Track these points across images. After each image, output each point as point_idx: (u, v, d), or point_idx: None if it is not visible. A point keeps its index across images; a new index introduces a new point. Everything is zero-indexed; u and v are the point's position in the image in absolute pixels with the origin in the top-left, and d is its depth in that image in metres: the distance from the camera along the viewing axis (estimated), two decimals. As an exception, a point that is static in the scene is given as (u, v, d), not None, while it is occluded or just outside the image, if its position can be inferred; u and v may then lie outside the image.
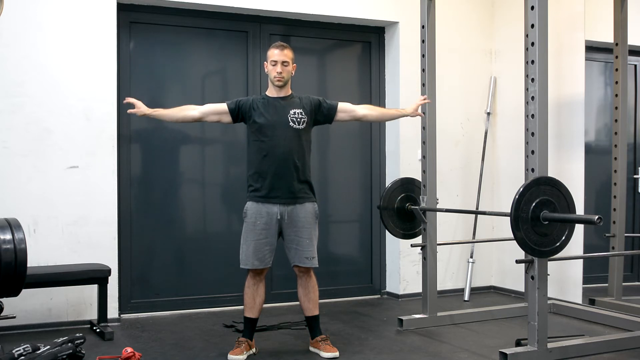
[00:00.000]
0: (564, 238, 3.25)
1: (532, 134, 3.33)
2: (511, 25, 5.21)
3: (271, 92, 3.57)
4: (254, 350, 3.56)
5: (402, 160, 5.13)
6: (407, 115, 3.82)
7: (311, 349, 3.60)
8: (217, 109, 3.58)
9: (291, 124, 3.47)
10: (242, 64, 4.91)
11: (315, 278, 3.63)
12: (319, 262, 3.66)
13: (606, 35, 4.54)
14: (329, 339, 3.59)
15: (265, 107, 3.50)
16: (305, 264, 3.52)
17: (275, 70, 3.49)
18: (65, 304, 4.20)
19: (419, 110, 3.86)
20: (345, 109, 3.67)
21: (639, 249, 4.80)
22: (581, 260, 4.57)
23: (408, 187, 4.35)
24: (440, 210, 4.21)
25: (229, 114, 3.56)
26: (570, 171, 4.58)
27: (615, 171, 4.49)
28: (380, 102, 5.31)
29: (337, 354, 3.48)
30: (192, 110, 3.59)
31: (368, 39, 5.33)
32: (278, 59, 3.49)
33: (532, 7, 3.31)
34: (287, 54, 3.50)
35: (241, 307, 4.64)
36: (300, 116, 3.50)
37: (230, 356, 3.45)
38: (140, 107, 3.58)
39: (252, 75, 4.90)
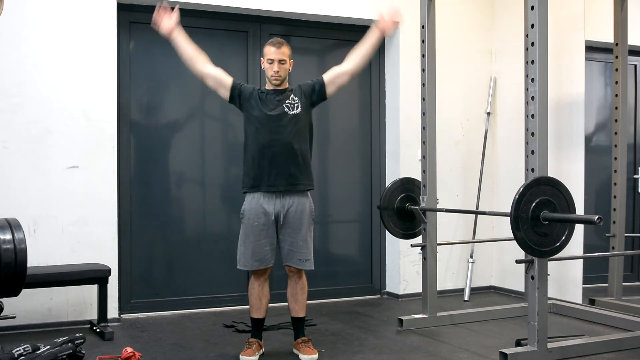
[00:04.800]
0: (564, 238, 3.25)
1: (532, 134, 3.33)
2: (511, 25, 5.21)
3: (269, 87, 3.55)
4: (263, 350, 3.56)
5: (402, 160, 5.13)
6: (380, 32, 3.53)
7: (293, 350, 3.58)
8: (220, 80, 3.54)
9: (287, 110, 3.45)
10: (242, 64, 4.90)
11: (306, 280, 3.60)
12: (319, 262, 3.65)
13: (606, 35, 4.54)
14: (310, 341, 3.56)
15: (263, 99, 3.48)
16: (299, 266, 3.50)
17: (272, 69, 3.45)
18: (65, 304, 4.21)
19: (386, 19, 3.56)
20: (332, 79, 3.55)
21: (639, 249, 4.80)
22: (581, 260, 4.57)
23: (408, 187, 4.35)
24: (440, 210, 4.21)
25: (228, 92, 3.53)
26: (570, 171, 4.58)
27: (615, 171, 4.49)
28: (380, 102, 5.31)
29: (315, 356, 3.46)
30: (201, 65, 3.53)
31: (368, 39, 5.31)
32: (275, 57, 3.45)
33: (532, 7, 3.31)
34: (284, 52, 3.46)
35: (241, 307, 4.67)
36: (294, 102, 3.47)
37: (242, 357, 3.43)
38: (172, 20, 3.47)
39: (252, 75, 4.89)
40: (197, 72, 3.55)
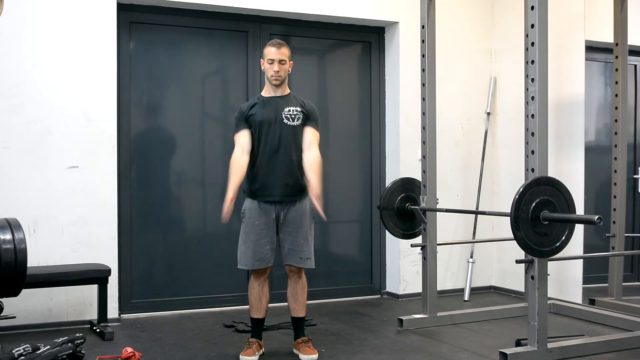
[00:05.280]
0: (564, 238, 3.25)
1: (532, 134, 3.33)
2: (511, 25, 5.21)
3: (267, 91, 3.54)
4: (263, 350, 3.56)
5: (402, 160, 5.13)
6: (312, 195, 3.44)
7: (293, 350, 3.58)
8: (249, 141, 3.49)
9: (285, 120, 3.45)
10: (242, 64, 4.90)
11: (306, 279, 3.60)
12: (319, 262, 3.64)
13: (606, 35, 4.54)
14: (310, 341, 3.56)
15: (261, 107, 3.49)
16: (300, 264, 3.50)
17: (272, 69, 3.46)
18: (65, 304, 4.20)
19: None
20: (305, 139, 3.50)
21: (639, 249, 4.80)
22: (581, 260, 4.57)
23: (408, 187, 4.35)
24: (440, 210, 4.21)
25: (250, 132, 3.51)
26: (570, 171, 4.58)
27: (615, 171, 4.49)
28: (380, 103, 5.31)
29: (315, 356, 3.46)
30: (244, 163, 3.46)
31: (368, 39, 5.33)
32: (275, 57, 3.46)
33: (532, 7, 3.31)
34: (284, 52, 3.47)
35: (241, 307, 4.67)
36: (295, 113, 3.47)
37: (242, 357, 3.43)
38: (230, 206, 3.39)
39: (252, 75, 4.90)
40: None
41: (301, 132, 3.51)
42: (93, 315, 4.16)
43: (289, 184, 3.45)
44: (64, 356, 3.25)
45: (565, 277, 4.69)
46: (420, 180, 4.30)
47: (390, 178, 5.13)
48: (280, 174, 3.44)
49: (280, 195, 3.45)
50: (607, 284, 4.51)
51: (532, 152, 3.33)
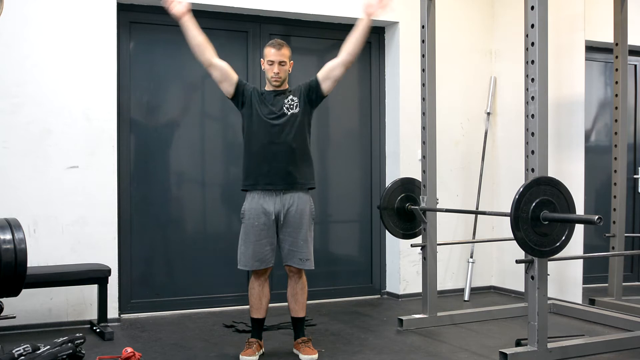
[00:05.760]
0: (564, 238, 3.25)
1: (532, 134, 3.33)
2: (511, 25, 5.21)
3: (268, 87, 3.57)
4: (263, 350, 3.56)
5: (402, 160, 5.13)
6: (366, 16, 3.45)
7: (293, 350, 3.59)
8: (227, 74, 3.48)
9: (286, 110, 3.46)
10: (242, 64, 4.90)
11: (306, 280, 3.60)
12: (319, 262, 3.64)
13: (606, 35, 4.54)
14: (310, 341, 3.57)
15: (262, 100, 3.49)
16: (299, 265, 3.50)
17: (272, 70, 3.47)
18: (65, 304, 4.21)
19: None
20: (326, 75, 3.52)
21: (639, 249, 4.80)
22: (581, 260, 4.57)
23: (408, 187, 4.35)
24: (440, 210, 4.21)
25: (233, 87, 3.49)
26: (570, 171, 4.58)
27: (615, 171, 4.49)
28: (380, 102, 5.32)
29: (315, 356, 3.46)
30: (210, 54, 3.43)
31: (368, 39, 5.29)
32: (275, 59, 3.47)
33: (532, 7, 3.31)
34: (284, 53, 3.48)
35: (241, 307, 4.68)
36: (292, 102, 3.48)
37: (242, 357, 3.44)
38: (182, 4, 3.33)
39: (252, 75, 4.90)
40: (205, 60, 3.44)
41: (302, 119, 3.50)
42: (93, 315, 4.16)
43: (290, 172, 3.44)
44: (64, 356, 3.25)
45: (565, 277, 4.69)
46: (420, 180, 4.30)
47: (390, 178, 5.13)
48: (281, 161, 3.43)
49: (281, 183, 3.43)
50: (607, 284, 4.51)
51: (532, 152, 3.33)
